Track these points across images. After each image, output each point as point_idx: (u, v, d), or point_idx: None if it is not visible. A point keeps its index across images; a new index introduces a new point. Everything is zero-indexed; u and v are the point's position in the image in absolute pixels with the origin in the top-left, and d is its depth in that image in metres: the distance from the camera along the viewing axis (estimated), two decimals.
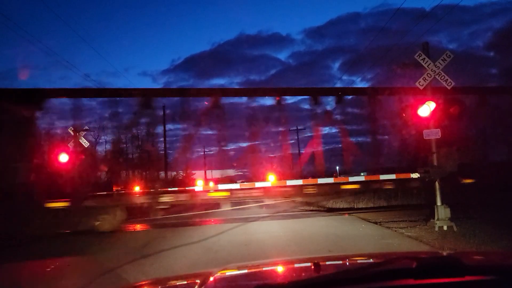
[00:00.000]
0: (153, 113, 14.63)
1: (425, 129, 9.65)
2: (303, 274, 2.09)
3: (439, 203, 9.37)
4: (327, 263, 2.35)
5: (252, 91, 15.67)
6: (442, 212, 9.22)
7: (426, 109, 9.54)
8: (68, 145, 16.48)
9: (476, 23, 66.10)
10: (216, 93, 14.58)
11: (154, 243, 9.24)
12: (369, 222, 11.15)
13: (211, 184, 14.38)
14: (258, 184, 13.12)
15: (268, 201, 17.25)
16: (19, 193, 11.41)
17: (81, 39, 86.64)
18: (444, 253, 3.40)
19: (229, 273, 2.16)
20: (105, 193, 15.56)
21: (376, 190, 13.45)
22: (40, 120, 13.02)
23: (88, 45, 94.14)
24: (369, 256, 2.64)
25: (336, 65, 74.03)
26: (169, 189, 16.51)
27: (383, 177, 13.24)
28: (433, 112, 9.58)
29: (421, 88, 9.72)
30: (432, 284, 1.41)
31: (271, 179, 13.78)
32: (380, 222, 10.85)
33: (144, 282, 2.55)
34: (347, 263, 2.35)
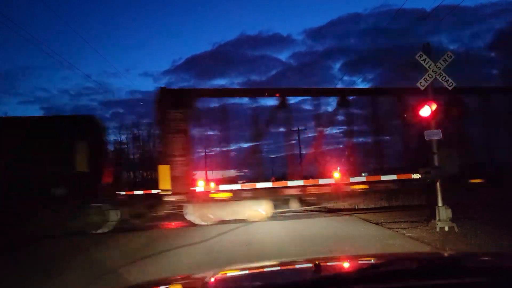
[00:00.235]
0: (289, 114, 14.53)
1: (426, 129, 9.65)
2: (304, 274, 2.09)
3: (440, 203, 9.36)
4: (328, 263, 2.35)
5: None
6: (443, 212, 9.21)
7: (427, 110, 9.54)
8: None
9: (477, 23, 66.14)
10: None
11: (155, 243, 9.25)
12: (370, 222, 11.14)
13: (212, 184, 14.36)
14: (259, 185, 13.09)
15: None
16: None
17: (82, 39, 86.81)
18: (445, 254, 3.40)
19: (230, 273, 2.17)
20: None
21: (381, 191, 13.48)
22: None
23: (89, 45, 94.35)
24: (370, 256, 2.63)
25: (337, 65, 74.18)
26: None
27: (384, 177, 13.20)
28: (434, 112, 9.57)
29: (422, 88, 9.71)
30: (434, 285, 1.41)
31: (273, 180, 13.79)
32: (381, 222, 10.84)
33: (145, 283, 2.55)
34: (348, 264, 2.36)
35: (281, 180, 14.07)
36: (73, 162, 12.33)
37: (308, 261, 2.49)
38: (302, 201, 13.52)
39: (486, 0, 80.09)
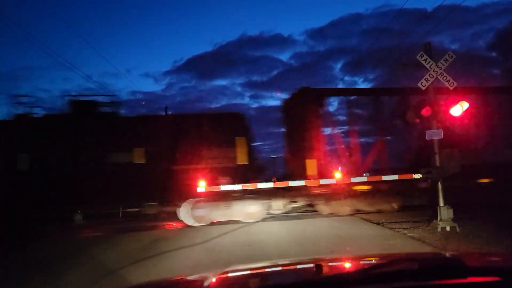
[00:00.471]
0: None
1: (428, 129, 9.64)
2: (305, 275, 2.09)
3: (441, 203, 9.35)
4: (330, 264, 2.35)
5: None
6: (445, 212, 9.20)
7: (427, 110, 9.52)
8: None
9: (478, 23, 66.05)
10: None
11: (155, 244, 9.25)
12: (372, 222, 11.14)
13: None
14: (260, 185, 13.08)
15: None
16: None
17: (83, 40, 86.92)
18: (447, 254, 3.39)
19: (231, 274, 2.16)
20: None
21: (385, 191, 13.48)
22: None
23: (90, 46, 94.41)
24: (371, 257, 2.63)
25: (338, 65, 74.08)
26: None
27: (385, 177, 13.17)
28: (435, 112, 9.55)
29: (423, 88, 9.71)
30: (435, 285, 1.41)
31: (274, 180, 13.74)
32: (382, 223, 10.83)
33: (146, 284, 2.55)
34: (350, 264, 2.35)
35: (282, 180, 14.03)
36: (235, 156, 13.52)
37: (309, 261, 2.48)
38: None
39: None
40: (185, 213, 12.41)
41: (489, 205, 11.44)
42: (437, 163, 9.59)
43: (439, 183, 9.52)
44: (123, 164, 13.41)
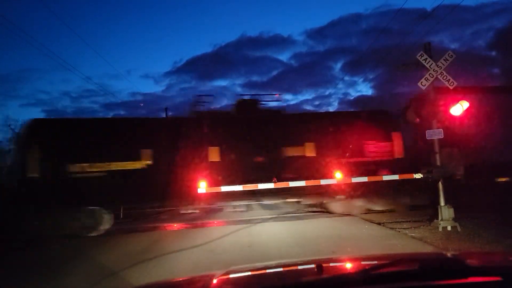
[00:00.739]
0: None
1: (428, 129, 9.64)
2: (306, 275, 2.09)
3: (442, 203, 9.35)
4: (331, 264, 2.34)
5: None
6: (446, 212, 9.20)
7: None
8: None
9: (478, 22, 65.95)
10: None
11: (157, 245, 9.24)
12: (373, 223, 11.13)
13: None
14: (261, 186, 13.07)
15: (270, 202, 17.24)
16: None
17: (83, 41, 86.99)
18: (448, 254, 3.39)
19: (232, 275, 2.16)
20: None
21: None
22: None
23: (90, 47, 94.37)
24: (373, 257, 2.63)
25: (338, 65, 73.90)
26: None
27: (386, 177, 13.16)
28: (435, 112, 9.55)
29: (423, 88, 9.71)
30: (436, 286, 1.41)
31: (275, 180, 13.72)
32: (383, 223, 10.82)
33: (147, 285, 2.55)
34: (351, 265, 2.35)
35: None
36: (392, 149, 14.43)
37: (310, 262, 2.48)
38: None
39: None
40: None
41: (493, 204, 11.42)
42: (438, 163, 9.59)
43: (440, 182, 9.52)
44: (295, 157, 14.28)
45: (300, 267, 2.37)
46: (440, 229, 9.04)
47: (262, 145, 14.24)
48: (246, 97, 17.45)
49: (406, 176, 12.68)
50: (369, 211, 13.21)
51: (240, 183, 12.04)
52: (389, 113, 15.57)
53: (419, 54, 9.74)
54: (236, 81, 74.69)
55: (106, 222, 12.07)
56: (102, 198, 11.82)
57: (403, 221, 10.76)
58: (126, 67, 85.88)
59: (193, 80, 74.84)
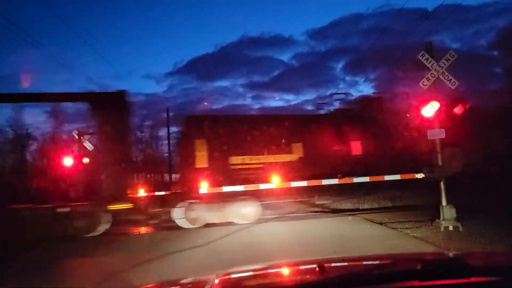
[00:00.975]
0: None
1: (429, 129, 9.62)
2: (307, 276, 2.08)
3: (444, 203, 9.33)
4: (332, 264, 2.34)
5: None
6: (448, 212, 9.18)
7: (430, 109, 9.49)
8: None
9: (480, 22, 65.85)
10: None
11: (158, 245, 9.25)
12: (374, 223, 11.11)
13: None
14: (262, 186, 13.07)
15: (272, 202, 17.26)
16: None
17: (84, 42, 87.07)
18: (450, 254, 3.38)
19: (233, 275, 2.16)
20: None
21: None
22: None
23: (91, 48, 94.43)
24: (374, 257, 2.62)
25: (339, 65, 73.88)
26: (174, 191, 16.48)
27: (387, 177, 13.16)
28: (437, 112, 9.53)
29: (425, 88, 9.69)
30: (438, 286, 1.40)
31: (276, 181, 13.71)
32: (385, 222, 10.81)
33: (148, 285, 2.55)
34: (352, 265, 2.35)
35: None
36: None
37: (312, 262, 2.48)
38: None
39: None
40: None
41: (495, 204, 11.40)
42: (439, 162, 9.57)
43: (441, 182, 9.50)
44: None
45: (301, 267, 2.37)
46: (442, 229, 9.02)
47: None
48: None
49: (408, 175, 12.71)
50: None
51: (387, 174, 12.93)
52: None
53: (420, 54, 9.72)
54: (238, 81, 74.82)
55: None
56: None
57: (405, 221, 10.74)
58: (127, 67, 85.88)
59: (194, 80, 74.99)
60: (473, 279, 1.44)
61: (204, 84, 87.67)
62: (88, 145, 17.01)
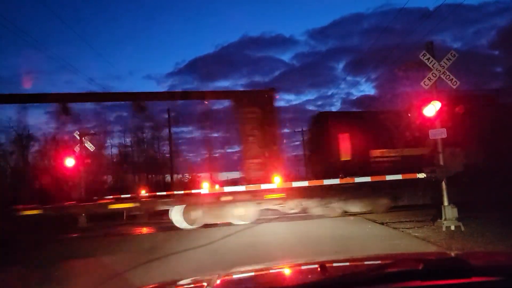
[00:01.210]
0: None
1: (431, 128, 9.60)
2: (309, 276, 2.09)
3: (446, 203, 9.32)
4: (334, 265, 2.34)
5: None
6: (449, 212, 9.17)
7: (431, 109, 9.48)
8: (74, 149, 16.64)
9: (481, 21, 65.68)
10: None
11: (160, 246, 9.26)
12: (376, 223, 11.11)
13: (217, 186, 14.37)
14: (264, 186, 13.08)
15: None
16: None
17: (85, 43, 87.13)
18: (452, 254, 3.38)
19: (235, 275, 2.16)
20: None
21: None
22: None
23: (93, 49, 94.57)
24: (376, 257, 2.62)
25: (340, 65, 73.91)
26: (175, 192, 16.50)
27: (389, 177, 13.14)
28: (439, 111, 9.52)
29: (426, 88, 9.68)
30: (440, 286, 1.40)
31: (277, 181, 13.71)
32: (386, 222, 10.81)
33: (150, 286, 2.56)
34: (354, 265, 2.35)
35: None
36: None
37: (313, 262, 2.48)
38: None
39: None
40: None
41: (496, 203, 11.37)
42: (441, 162, 9.56)
43: (443, 182, 9.49)
44: None
45: (303, 267, 2.37)
46: (444, 229, 9.01)
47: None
48: None
49: (410, 175, 12.69)
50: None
51: None
52: None
53: (421, 54, 9.70)
54: (239, 81, 74.56)
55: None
56: None
57: (407, 221, 10.74)
58: (128, 68, 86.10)
59: (195, 81, 74.81)
60: (475, 279, 1.43)
61: (205, 85, 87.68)
62: (89, 146, 17.05)
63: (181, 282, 2.29)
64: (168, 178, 30.83)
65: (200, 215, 12.41)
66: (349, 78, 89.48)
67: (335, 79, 60.55)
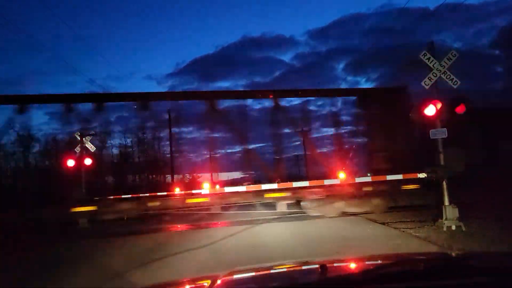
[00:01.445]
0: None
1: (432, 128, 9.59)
2: (310, 276, 2.09)
3: (447, 203, 9.31)
4: (335, 265, 2.34)
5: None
6: (450, 212, 9.15)
7: (432, 109, 9.47)
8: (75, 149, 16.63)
9: (481, 21, 65.70)
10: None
11: (161, 246, 9.26)
12: (377, 223, 11.10)
13: (217, 186, 14.39)
14: (264, 186, 13.08)
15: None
16: None
17: (86, 44, 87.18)
18: (453, 254, 3.38)
19: (236, 276, 2.17)
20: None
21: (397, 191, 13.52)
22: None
23: (93, 49, 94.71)
24: (377, 257, 2.62)
25: (341, 66, 73.95)
26: (176, 192, 16.50)
27: (389, 177, 13.13)
28: (439, 111, 9.51)
29: (427, 87, 9.67)
30: (441, 285, 1.40)
31: (278, 181, 13.72)
32: (387, 222, 10.80)
33: (152, 286, 2.56)
34: (355, 265, 2.35)
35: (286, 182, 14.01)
36: None
37: (314, 262, 2.48)
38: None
39: None
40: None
41: (497, 203, 11.37)
42: (442, 162, 9.55)
43: (444, 182, 9.48)
44: None
45: (304, 268, 2.37)
46: (445, 229, 9.00)
47: None
48: None
49: (411, 175, 12.69)
50: None
51: None
52: None
53: (422, 54, 9.70)
54: (239, 82, 74.75)
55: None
56: None
57: (408, 221, 10.72)
58: (129, 68, 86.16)
59: (195, 81, 75.04)
60: (475, 279, 1.43)
61: (205, 85, 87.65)
62: (90, 146, 17.03)
63: (183, 282, 2.29)
64: (168, 178, 30.81)
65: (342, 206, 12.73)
66: (349, 78, 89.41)
67: (336, 79, 60.64)
